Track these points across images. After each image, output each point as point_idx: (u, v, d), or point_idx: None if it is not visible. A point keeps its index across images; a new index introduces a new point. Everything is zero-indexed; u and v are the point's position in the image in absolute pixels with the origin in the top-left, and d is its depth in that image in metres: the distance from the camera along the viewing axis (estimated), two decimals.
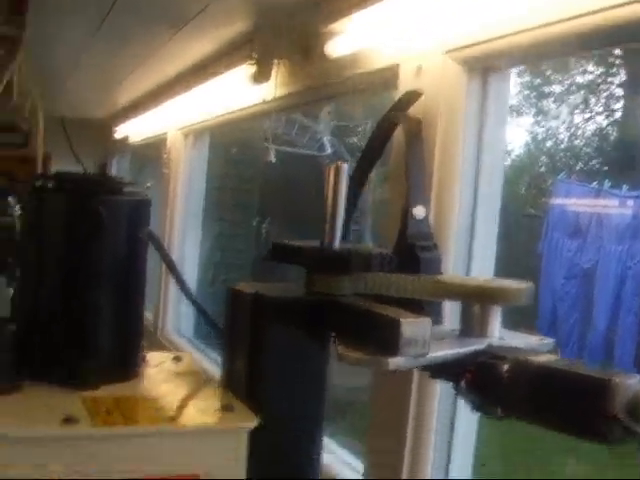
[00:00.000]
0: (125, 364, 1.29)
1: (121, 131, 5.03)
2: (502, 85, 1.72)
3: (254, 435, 1.11)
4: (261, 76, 2.50)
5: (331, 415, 1.24)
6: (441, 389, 1.64)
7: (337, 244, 1.12)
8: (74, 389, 1.17)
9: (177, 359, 1.45)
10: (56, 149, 3.91)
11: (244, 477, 1.11)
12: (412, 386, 1.65)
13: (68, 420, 1.04)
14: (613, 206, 8.79)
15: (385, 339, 0.92)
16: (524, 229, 10.13)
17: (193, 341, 3.74)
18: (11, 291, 2.02)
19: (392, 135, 1.71)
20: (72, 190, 1.22)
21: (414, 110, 1.70)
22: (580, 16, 1.33)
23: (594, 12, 1.30)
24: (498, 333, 1.08)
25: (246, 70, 2.55)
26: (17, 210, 2.90)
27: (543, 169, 14.45)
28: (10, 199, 2.90)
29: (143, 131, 4.55)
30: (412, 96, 1.70)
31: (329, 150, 10.28)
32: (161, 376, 1.34)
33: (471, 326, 1.07)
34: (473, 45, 1.61)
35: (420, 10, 1.71)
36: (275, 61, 2.47)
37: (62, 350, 1.22)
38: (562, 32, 1.40)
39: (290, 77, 2.46)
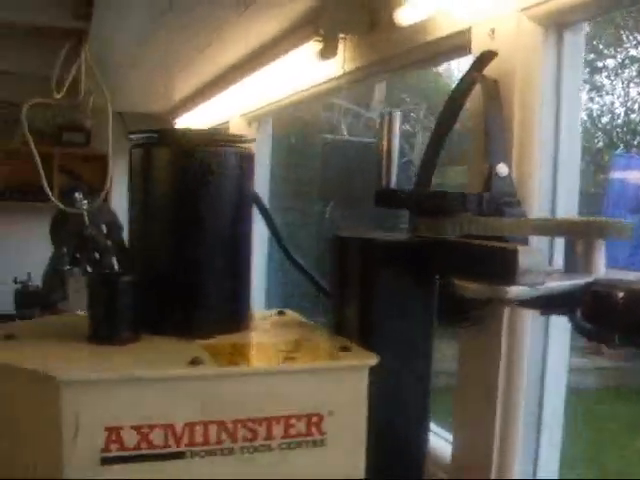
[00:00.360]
0: (236, 315, 1.32)
1: (182, 123, 5.08)
2: (577, 40, 1.72)
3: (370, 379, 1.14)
4: (328, 52, 2.51)
5: None
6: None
7: (393, 185, 1.16)
8: (190, 338, 1.22)
9: (281, 313, 1.49)
10: (115, 145, 3.97)
11: (365, 415, 1.14)
12: (500, 353, 1.67)
13: (194, 362, 1.08)
14: None
15: (502, 269, 0.94)
16: (584, 207, 9.98)
17: None
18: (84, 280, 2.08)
19: (469, 95, 1.72)
20: (178, 143, 1.25)
21: (490, 71, 1.71)
22: None
23: None
24: (603, 270, 1.09)
25: (312, 47, 2.57)
26: (84, 205, 2.98)
27: (600, 145, 14.26)
28: (76, 195, 2.97)
29: (204, 121, 4.60)
30: (488, 56, 1.71)
31: None
32: (271, 327, 1.38)
33: (576, 262, 1.08)
34: (546, 1, 1.62)
35: None
36: (342, 35, 2.49)
37: (177, 302, 1.26)
38: None
39: (358, 51, 2.48)
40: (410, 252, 1.13)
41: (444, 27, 1.97)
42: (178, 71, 3.99)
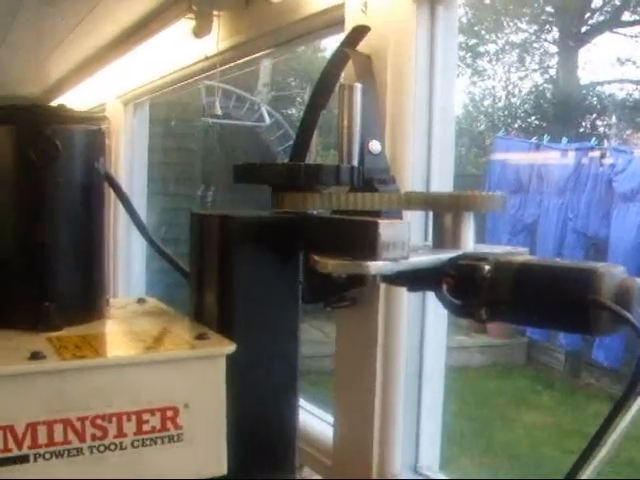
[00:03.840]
0: (89, 305, 1.24)
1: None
2: (450, 15, 1.70)
3: (230, 367, 1.08)
4: (201, 30, 2.43)
5: None
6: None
7: (356, 163, 1.12)
8: (37, 331, 1.13)
9: (142, 301, 1.41)
10: None
11: (224, 406, 1.08)
12: (378, 334, 1.64)
13: (35, 356, 0.99)
14: (553, 159, 8.89)
15: (363, 243, 0.89)
16: (467, 189, 10.17)
17: None
18: None
19: (342, 71, 1.69)
20: (22, 120, 1.16)
21: (363, 47, 1.67)
22: None
23: None
24: (472, 244, 1.06)
25: (185, 25, 2.48)
26: None
27: (482, 128, 14.65)
28: None
29: (81, 103, 4.43)
30: (360, 30, 1.68)
31: (268, 120, 10.24)
32: (128, 316, 1.30)
33: (444, 237, 1.05)
34: None
35: None
36: (215, 13, 2.41)
37: (20, 292, 1.18)
38: None
39: (233, 28, 2.40)
40: (272, 229, 1.08)
41: (318, 2, 1.93)
42: (51, 51, 3.82)
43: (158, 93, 3.54)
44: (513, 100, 14.92)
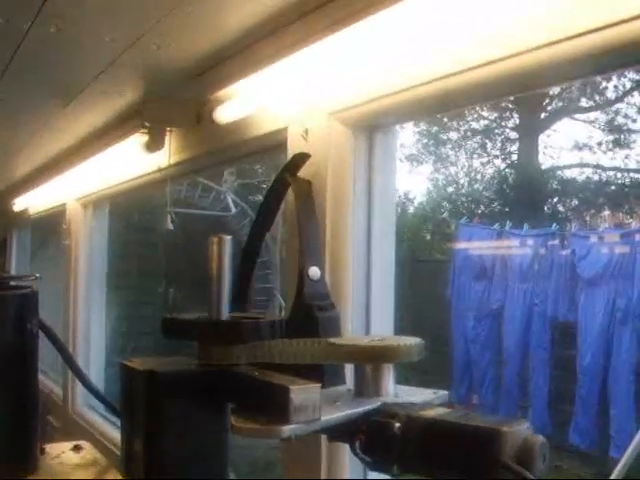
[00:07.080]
0: (22, 459, 1.25)
1: (20, 203, 4.92)
2: (388, 141, 1.75)
3: None
4: (154, 144, 2.49)
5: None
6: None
7: (226, 315, 1.13)
8: None
9: (77, 448, 1.42)
10: None
11: None
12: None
13: None
14: (515, 246, 9.02)
15: (276, 408, 0.92)
16: (432, 274, 10.29)
17: (105, 414, 3.63)
18: None
19: (284, 197, 1.73)
20: None
21: (304, 172, 1.72)
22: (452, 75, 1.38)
23: (461, 72, 1.36)
24: (392, 390, 1.09)
25: (139, 139, 2.54)
26: None
27: (446, 214, 14.84)
28: None
29: (43, 202, 4.47)
30: (301, 158, 1.73)
31: (233, 210, 10.31)
32: (61, 469, 1.31)
33: (365, 386, 1.08)
34: (356, 106, 1.65)
35: (303, 74, 1.75)
36: (167, 129, 2.48)
37: None
38: (438, 90, 1.45)
39: (183, 144, 2.47)
40: (197, 383, 1.10)
41: (263, 126, 1.99)
42: (13, 153, 3.87)
43: (115, 197, 3.59)
44: (476, 186, 15.19)
